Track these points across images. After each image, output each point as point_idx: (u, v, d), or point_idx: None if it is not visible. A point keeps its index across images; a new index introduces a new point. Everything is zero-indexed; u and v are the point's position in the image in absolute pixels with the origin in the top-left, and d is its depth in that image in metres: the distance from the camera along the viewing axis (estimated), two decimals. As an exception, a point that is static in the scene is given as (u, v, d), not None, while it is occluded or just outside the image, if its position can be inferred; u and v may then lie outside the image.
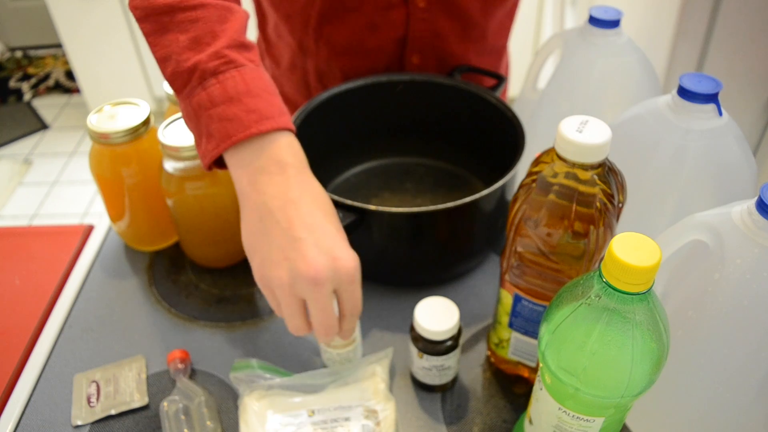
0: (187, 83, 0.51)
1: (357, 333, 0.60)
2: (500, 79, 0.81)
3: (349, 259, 0.47)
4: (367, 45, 0.79)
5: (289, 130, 0.51)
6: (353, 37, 0.78)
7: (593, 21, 0.67)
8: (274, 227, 0.47)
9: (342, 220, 0.59)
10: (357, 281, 0.48)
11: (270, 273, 0.47)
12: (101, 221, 0.82)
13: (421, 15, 0.76)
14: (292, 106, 0.89)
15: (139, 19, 0.54)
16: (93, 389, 0.61)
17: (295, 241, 0.46)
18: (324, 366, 0.62)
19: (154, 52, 0.53)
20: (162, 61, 0.52)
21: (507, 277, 0.53)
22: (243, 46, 0.52)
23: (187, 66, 0.50)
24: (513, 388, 0.61)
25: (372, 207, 0.61)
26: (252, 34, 0.94)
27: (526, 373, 0.60)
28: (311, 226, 0.47)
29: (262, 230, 0.48)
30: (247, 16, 0.55)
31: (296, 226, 0.47)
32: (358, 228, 0.62)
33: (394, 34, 0.78)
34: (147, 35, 0.54)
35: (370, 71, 0.82)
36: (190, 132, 0.53)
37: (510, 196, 0.64)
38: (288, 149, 0.49)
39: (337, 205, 0.61)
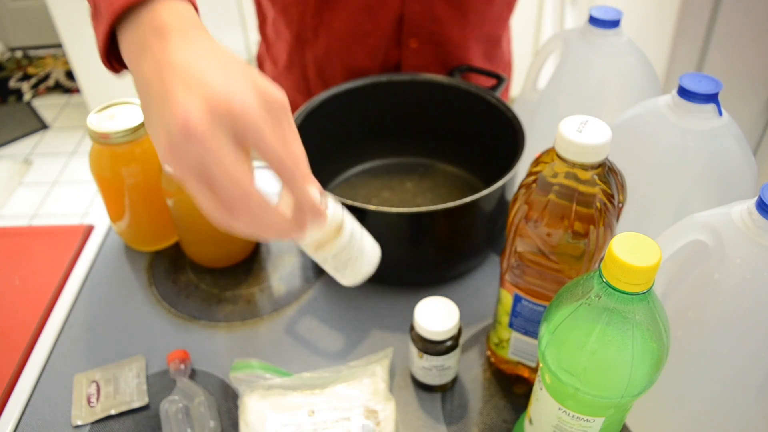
0: None
1: (341, 216, 0.47)
2: (500, 79, 0.81)
3: (230, 92, 0.36)
4: (364, 27, 0.79)
5: None
6: (351, 20, 0.79)
7: (593, 21, 0.67)
8: (155, 96, 0.39)
9: None
10: (257, 118, 0.37)
11: (156, 146, 0.39)
12: (101, 221, 0.82)
13: None
14: (291, 106, 0.89)
15: None
16: (93, 389, 0.61)
17: (165, 93, 0.37)
18: (340, 282, 0.51)
19: None
20: None
21: (507, 277, 0.53)
22: None
23: None
24: (513, 388, 0.61)
25: (372, 207, 0.61)
26: (253, 35, 0.94)
27: (526, 373, 0.60)
28: (185, 73, 0.38)
29: (147, 106, 0.40)
30: None
31: (168, 80, 0.38)
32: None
33: (389, 15, 0.78)
34: None
35: (369, 59, 0.82)
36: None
37: (510, 196, 0.64)
38: (169, 12, 0.41)
39: None
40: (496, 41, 0.89)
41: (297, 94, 0.89)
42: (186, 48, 0.39)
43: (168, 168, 0.39)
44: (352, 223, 0.49)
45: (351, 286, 0.54)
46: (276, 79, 0.90)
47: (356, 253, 0.50)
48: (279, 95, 0.40)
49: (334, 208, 0.47)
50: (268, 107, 0.39)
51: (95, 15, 0.46)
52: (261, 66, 0.97)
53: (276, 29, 0.85)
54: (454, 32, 0.81)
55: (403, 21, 0.79)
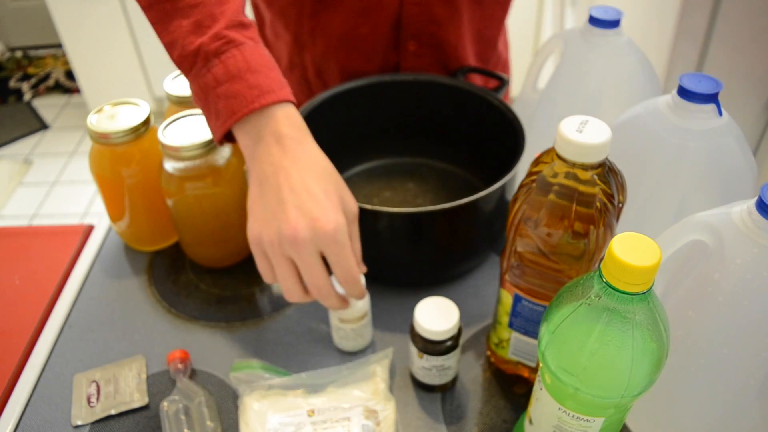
0: (193, 66, 0.54)
1: (367, 307, 0.62)
2: (503, 81, 0.81)
3: (328, 221, 0.50)
4: (361, 31, 0.79)
5: (289, 101, 0.54)
6: (347, 24, 0.79)
7: (593, 21, 0.67)
8: (268, 191, 0.52)
9: None
10: (340, 242, 0.51)
11: (261, 231, 0.52)
12: (101, 221, 0.82)
13: None
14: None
15: (144, 8, 0.57)
16: (93, 389, 0.61)
17: (282, 203, 0.50)
18: (339, 347, 0.65)
19: (161, 38, 0.56)
20: (169, 47, 0.55)
21: (507, 277, 0.53)
22: (242, 25, 0.55)
23: (191, 49, 0.53)
24: (513, 388, 0.61)
25: (371, 207, 0.61)
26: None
27: (526, 373, 0.60)
28: (297, 189, 0.51)
29: (259, 194, 0.52)
30: None
31: (284, 189, 0.51)
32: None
33: (386, 18, 0.78)
34: (153, 23, 0.57)
35: (367, 62, 0.82)
36: (200, 110, 0.57)
37: (510, 196, 0.64)
38: (285, 121, 0.53)
39: None
40: (490, 42, 0.88)
41: (299, 93, 0.89)
42: (298, 160, 0.52)
43: (256, 247, 0.53)
44: (371, 315, 0.64)
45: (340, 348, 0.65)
46: None
47: (361, 335, 0.63)
48: (355, 208, 0.55)
49: (366, 303, 0.61)
50: (349, 219, 0.54)
51: (206, 99, 0.55)
52: None
53: (275, 31, 0.85)
54: (450, 33, 0.81)
55: (401, 24, 0.79)
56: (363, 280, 0.61)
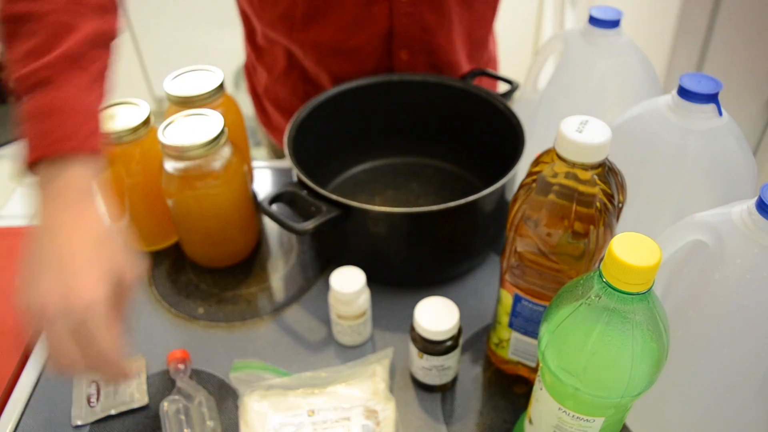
0: (22, 91, 0.50)
1: (366, 305, 0.62)
2: (512, 85, 0.81)
3: (82, 294, 0.44)
4: (352, 43, 0.79)
5: (87, 152, 0.49)
6: (338, 36, 0.78)
7: (593, 21, 0.67)
8: (34, 252, 0.46)
9: (324, 214, 0.61)
10: (91, 320, 0.44)
11: (20, 299, 0.46)
12: (101, 221, 0.81)
13: (405, 9, 0.76)
14: (288, 112, 0.89)
15: None
16: (93, 389, 0.61)
17: (40, 270, 0.45)
18: (339, 341, 0.65)
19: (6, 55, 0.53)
20: (8, 65, 0.52)
21: (507, 277, 0.53)
22: (82, 56, 0.51)
23: (22, 74, 0.50)
24: (513, 388, 0.61)
25: (371, 207, 0.61)
26: (241, 48, 0.94)
27: (526, 373, 0.60)
28: (59, 257, 0.45)
29: (28, 254, 0.47)
30: (96, 30, 0.53)
31: (47, 253, 0.46)
32: (344, 224, 0.62)
33: (378, 30, 0.78)
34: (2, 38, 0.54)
35: (359, 72, 0.82)
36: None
37: (510, 196, 0.64)
38: (74, 178, 0.48)
39: (327, 199, 0.62)
40: (482, 42, 0.88)
41: (295, 99, 0.88)
42: (71, 221, 0.46)
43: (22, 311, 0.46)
44: (370, 312, 0.64)
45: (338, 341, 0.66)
46: (270, 86, 0.90)
47: (359, 332, 0.63)
48: (133, 276, 0.48)
49: (365, 301, 0.61)
50: (122, 289, 0.47)
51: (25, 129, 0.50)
52: (251, 78, 0.96)
53: (268, 39, 0.85)
54: (441, 38, 0.81)
55: (393, 34, 0.78)
56: (363, 280, 0.61)
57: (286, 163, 0.88)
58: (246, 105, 0.93)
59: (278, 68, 0.87)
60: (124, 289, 0.48)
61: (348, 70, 0.82)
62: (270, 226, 0.80)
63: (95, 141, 0.50)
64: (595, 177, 0.45)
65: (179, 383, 0.60)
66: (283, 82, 0.88)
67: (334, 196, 0.62)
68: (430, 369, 0.58)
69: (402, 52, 0.81)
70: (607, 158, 0.45)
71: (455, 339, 0.57)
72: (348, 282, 0.60)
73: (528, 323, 0.55)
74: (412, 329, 0.57)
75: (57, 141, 0.48)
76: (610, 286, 0.37)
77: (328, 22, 0.77)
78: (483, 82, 0.91)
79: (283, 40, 0.82)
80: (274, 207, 0.64)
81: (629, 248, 0.36)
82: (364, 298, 0.61)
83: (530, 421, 0.50)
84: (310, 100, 0.75)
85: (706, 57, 1.15)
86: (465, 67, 0.87)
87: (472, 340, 0.65)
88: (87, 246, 0.46)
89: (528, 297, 0.53)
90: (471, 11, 0.81)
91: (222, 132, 0.65)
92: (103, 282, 0.45)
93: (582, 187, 0.45)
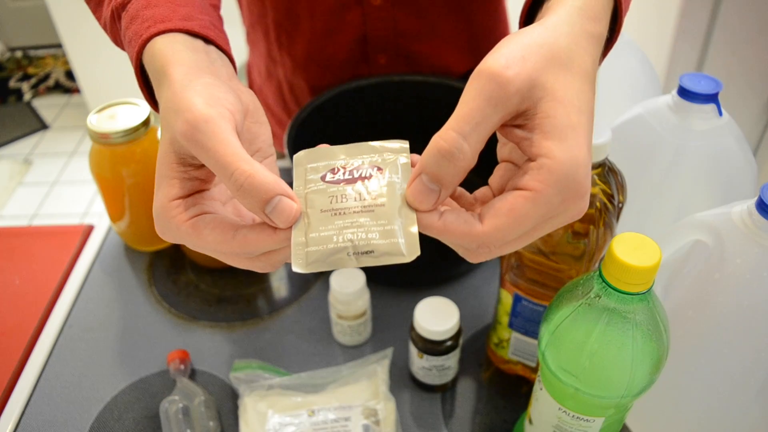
0: (118, 16, 0.48)
1: (366, 306, 0.62)
2: None
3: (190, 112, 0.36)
4: (327, 51, 0.78)
5: (180, 30, 0.43)
6: (312, 45, 0.78)
7: (593, 21, 0.67)
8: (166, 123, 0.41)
9: None
10: (204, 132, 0.35)
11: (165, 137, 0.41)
12: (101, 221, 0.82)
13: (377, 14, 0.75)
14: (271, 117, 0.89)
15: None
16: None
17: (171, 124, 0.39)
18: (339, 341, 0.65)
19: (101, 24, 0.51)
20: (105, 29, 0.51)
21: (507, 277, 0.53)
22: None
23: (116, 3, 0.47)
24: (513, 388, 0.61)
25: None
26: (243, 47, 0.94)
27: (526, 373, 0.60)
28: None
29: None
30: None
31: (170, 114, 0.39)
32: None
33: (352, 35, 0.77)
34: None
35: (337, 79, 0.81)
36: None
37: (510, 196, 0.64)
38: (162, 56, 0.42)
39: None
40: (489, 47, 0.87)
41: (276, 105, 0.88)
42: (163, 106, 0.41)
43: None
44: (370, 312, 0.64)
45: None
46: (261, 90, 0.90)
47: (358, 332, 0.64)
48: (203, 112, 0.39)
49: (365, 302, 0.62)
50: (198, 119, 0.39)
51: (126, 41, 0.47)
52: (250, 76, 0.96)
53: (253, 41, 0.85)
54: (423, 45, 0.79)
55: (368, 39, 0.78)
56: (363, 280, 0.61)
57: (286, 163, 0.88)
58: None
59: (263, 73, 0.87)
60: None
61: (325, 76, 0.81)
62: (270, 226, 0.80)
63: (191, 24, 0.44)
64: (595, 177, 0.45)
65: (179, 383, 0.60)
66: (268, 86, 0.88)
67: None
68: (430, 369, 0.58)
69: (379, 57, 0.80)
70: (607, 158, 0.45)
71: (455, 339, 0.57)
72: (348, 282, 0.60)
73: (528, 323, 0.55)
74: (412, 329, 0.57)
75: (151, 26, 0.43)
76: (610, 286, 0.37)
77: (300, 32, 0.77)
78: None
79: (263, 44, 0.82)
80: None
81: (629, 248, 0.36)
82: (364, 298, 0.62)
83: (530, 421, 0.50)
84: (310, 100, 0.75)
85: (706, 57, 1.15)
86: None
87: (472, 340, 0.65)
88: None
89: (528, 297, 0.53)
90: (468, 19, 0.80)
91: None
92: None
93: (582, 187, 0.45)
